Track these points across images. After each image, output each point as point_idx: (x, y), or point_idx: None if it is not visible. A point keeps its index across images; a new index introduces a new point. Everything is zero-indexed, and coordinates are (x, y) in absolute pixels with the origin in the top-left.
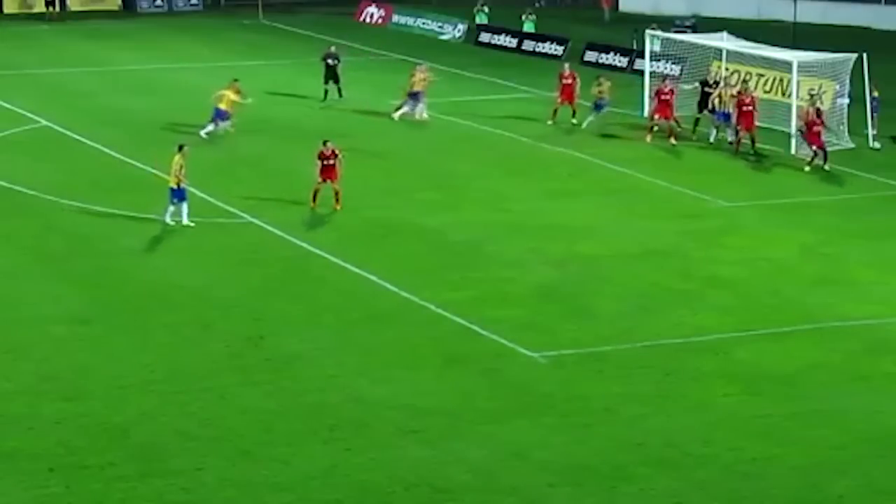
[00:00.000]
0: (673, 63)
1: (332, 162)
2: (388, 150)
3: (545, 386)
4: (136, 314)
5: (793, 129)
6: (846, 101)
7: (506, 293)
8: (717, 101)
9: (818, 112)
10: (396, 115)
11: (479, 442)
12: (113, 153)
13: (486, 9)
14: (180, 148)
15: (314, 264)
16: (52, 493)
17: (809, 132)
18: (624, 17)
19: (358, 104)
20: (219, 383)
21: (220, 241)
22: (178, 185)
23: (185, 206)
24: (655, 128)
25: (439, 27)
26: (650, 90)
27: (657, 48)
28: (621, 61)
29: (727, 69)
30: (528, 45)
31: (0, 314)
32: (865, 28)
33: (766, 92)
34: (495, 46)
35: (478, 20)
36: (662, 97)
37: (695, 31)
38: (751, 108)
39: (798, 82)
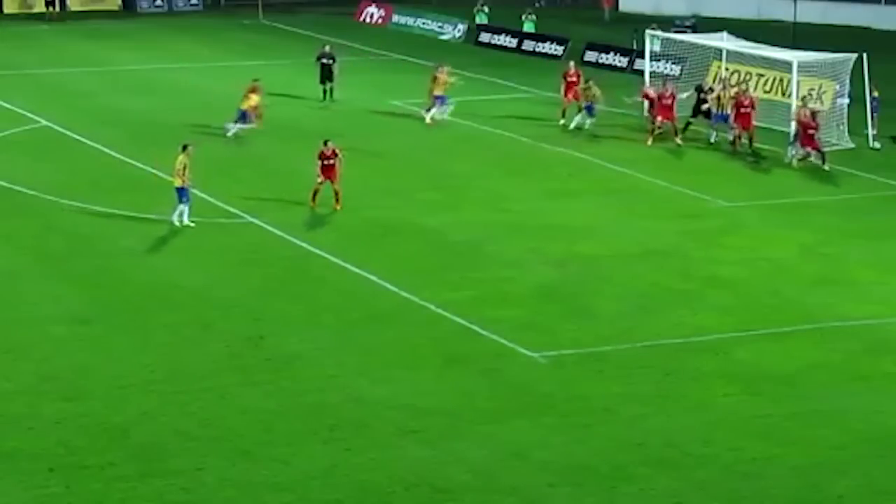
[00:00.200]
0: (673, 63)
1: (332, 162)
2: (388, 150)
3: (545, 386)
4: (136, 314)
5: (791, 135)
6: (846, 101)
7: (506, 293)
8: (716, 102)
9: (813, 115)
10: (428, 117)
11: (479, 442)
12: (113, 153)
13: (486, 9)
14: (184, 148)
15: (314, 264)
16: (52, 493)
17: (804, 135)
18: (624, 17)
19: (358, 104)
20: (219, 383)
21: (220, 241)
22: (183, 185)
23: (187, 207)
24: (657, 131)
25: (439, 27)
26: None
27: (657, 48)
28: (621, 61)
29: (727, 69)
30: (528, 45)
31: (0, 314)
32: (865, 28)
33: (766, 92)
34: (495, 46)
35: (478, 20)
36: (664, 101)
37: (695, 31)
38: (749, 109)
39: (798, 82)
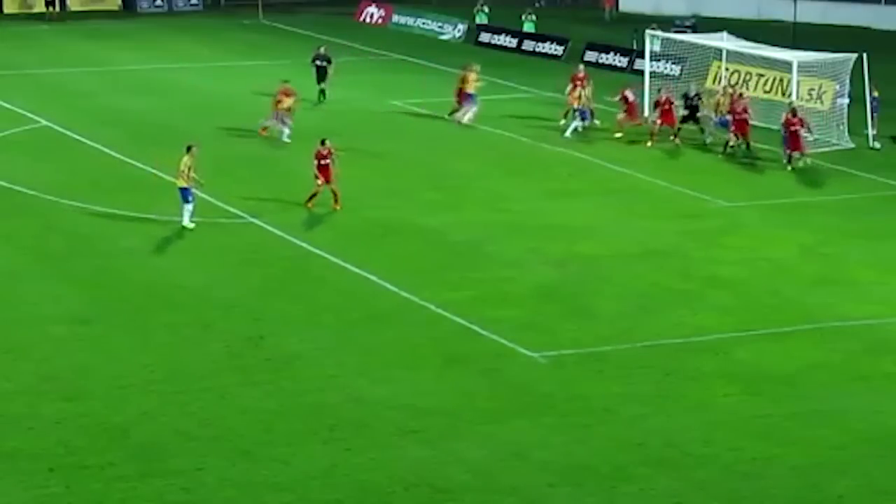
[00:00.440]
0: (673, 63)
1: (328, 161)
2: (388, 150)
3: (545, 386)
4: (136, 314)
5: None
6: (846, 101)
7: (506, 293)
8: (715, 107)
9: (794, 112)
10: (465, 119)
11: (479, 442)
12: (113, 153)
13: (486, 9)
14: (189, 149)
15: (314, 264)
16: (52, 493)
17: (789, 136)
18: (624, 17)
19: (358, 104)
20: (219, 383)
21: (220, 241)
22: (187, 186)
23: (192, 207)
24: (657, 133)
25: (439, 27)
26: (649, 92)
27: (657, 48)
28: (621, 61)
29: (727, 69)
30: (528, 45)
31: (0, 314)
32: (865, 28)
33: (765, 92)
34: (495, 46)
35: (478, 20)
36: (664, 108)
37: (695, 31)
38: (744, 115)
39: (798, 82)
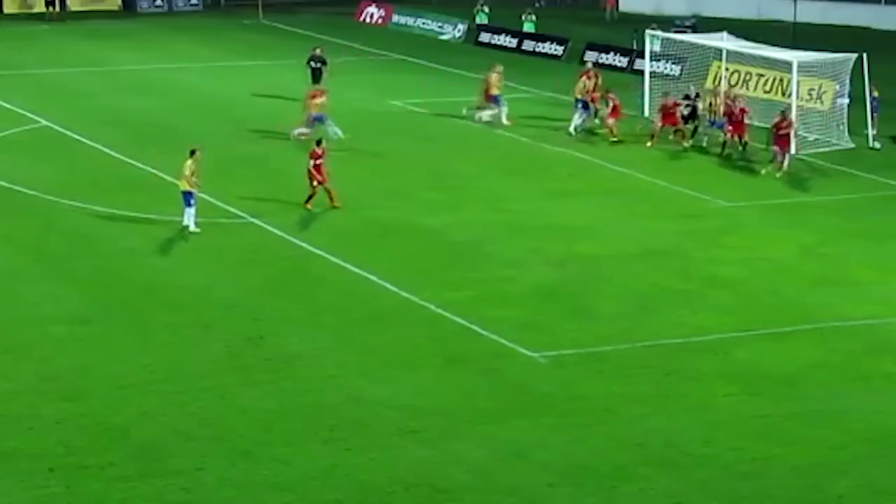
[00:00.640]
0: (673, 63)
1: (321, 161)
2: (388, 150)
3: (545, 386)
4: (136, 314)
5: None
6: (846, 101)
7: (506, 293)
8: (709, 110)
9: (783, 114)
10: (485, 117)
11: (479, 442)
12: (113, 153)
13: (486, 9)
14: (192, 153)
15: (314, 264)
16: (52, 493)
17: (776, 135)
18: (624, 16)
19: (358, 104)
20: (219, 383)
21: (220, 241)
22: (190, 189)
23: (191, 211)
24: (657, 134)
25: (439, 27)
26: (649, 93)
27: (657, 48)
28: (621, 61)
29: (727, 69)
30: (528, 45)
31: (0, 314)
32: (865, 28)
33: (765, 92)
34: (495, 46)
35: (478, 20)
36: (668, 112)
37: (695, 31)
38: (740, 117)
39: (798, 82)
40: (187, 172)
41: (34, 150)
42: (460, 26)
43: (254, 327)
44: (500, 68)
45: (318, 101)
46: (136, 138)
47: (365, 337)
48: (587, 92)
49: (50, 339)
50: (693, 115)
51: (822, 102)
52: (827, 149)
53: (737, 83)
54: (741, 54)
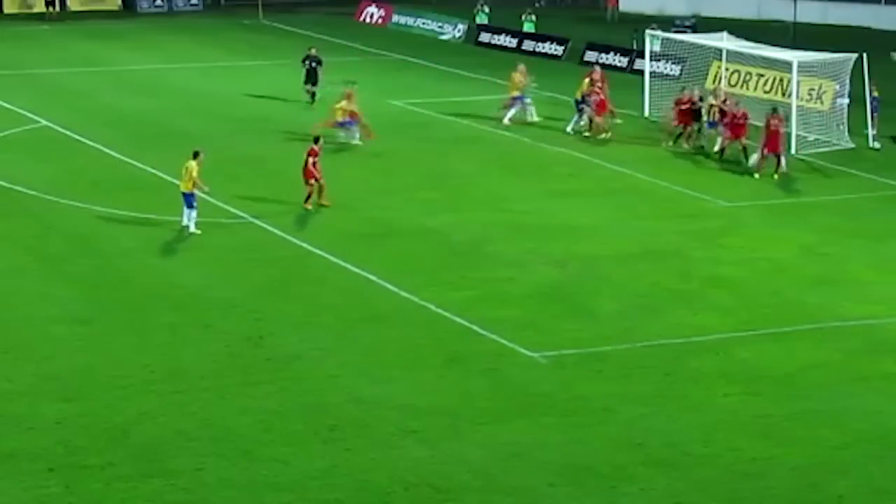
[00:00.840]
0: (673, 63)
1: (317, 159)
2: (388, 150)
3: (545, 386)
4: (136, 314)
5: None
6: (846, 101)
7: (506, 293)
8: (708, 111)
9: (774, 110)
10: (505, 119)
11: (479, 442)
12: (113, 153)
13: (486, 9)
14: (195, 155)
15: (314, 264)
16: (52, 493)
17: (768, 135)
18: (624, 16)
19: (358, 104)
20: (219, 383)
21: (220, 241)
22: (191, 191)
23: (192, 213)
24: (673, 133)
25: (439, 27)
26: (649, 92)
27: (657, 48)
28: (621, 61)
29: (727, 69)
30: (528, 45)
31: (0, 314)
32: (865, 28)
33: (765, 92)
34: (495, 46)
35: (478, 20)
36: (682, 107)
37: (695, 31)
38: (742, 121)
39: (798, 82)
40: (194, 174)
41: (34, 150)
42: (460, 26)
43: (254, 327)
44: (521, 67)
45: (348, 107)
46: (136, 138)
47: (365, 337)
48: (592, 92)
49: (50, 339)
50: (697, 117)
51: (822, 102)
52: (827, 149)
53: (737, 83)
54: (741, 54)
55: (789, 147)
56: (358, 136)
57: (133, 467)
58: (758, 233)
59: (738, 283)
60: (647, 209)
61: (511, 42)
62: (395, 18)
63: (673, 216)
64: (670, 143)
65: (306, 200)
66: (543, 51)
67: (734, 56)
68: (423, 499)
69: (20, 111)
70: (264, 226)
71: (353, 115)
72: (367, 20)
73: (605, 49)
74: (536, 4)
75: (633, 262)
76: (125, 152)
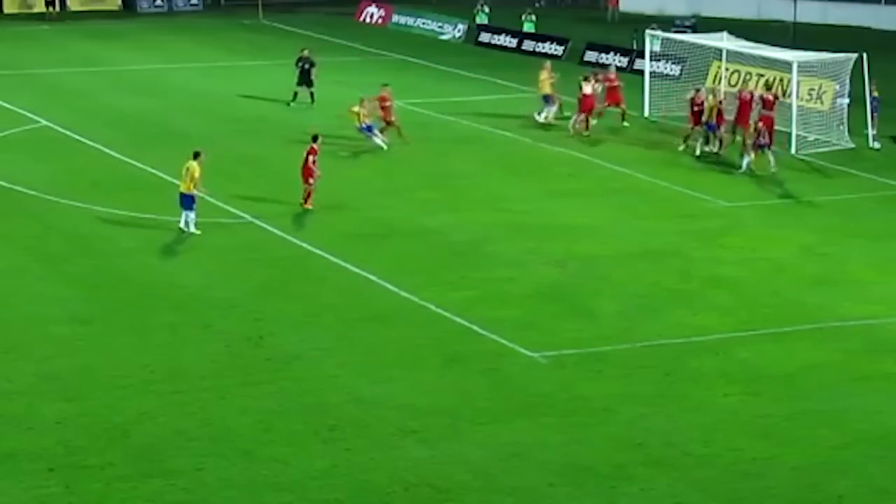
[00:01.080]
0: (673, 63)
1: (316, 158)
2: (388, 150)
3: (545, 386)
4: (136, 314)
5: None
6: (846, 101)
7: (506, 293)
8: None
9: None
10: (541, 118)
11: (479, 442)
12: (113, 153)
13: (486, 9)
14: (196, 155)
15: (314, 264)
16: (52, 493)
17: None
18: (624, 16)
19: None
20: (219, 383)
21: (220, 241)
22: (191, 192)
23: (191, 214)
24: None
25: (439, 27)
26: (649, 92)
27: (657, 48)
28: (621, 61)
29: (727, 69)
30: (528, 45)
31: (0, 314)
32: (865, 28)
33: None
34: (495, 46)
35: (478, 20)
36: (696, 108)
37: (695, 31)
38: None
39: (798, 82)
40: (196, 175)
41: (34, 150)
42: (460, 26)
43: (254, 327)
44: (546, 64)
45: (356, 108)
46: (136, 138)
47: (365, 337)
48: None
49: (50, 339)
50: (699, 119)
51: (822, 102)
52: (827, 149)
53: (737, 83)
54: (741, 54)
55: (790, 147)
56: (379, 139)
57: (133, 467)
58: (758, 233)
59: (737, 283)
60: (647, 209)
61: (511, 42)
62: (395, 18)
63: (673, 216)
64: (686, 146)
65: (306, 200)
66: (543, 51)
67: (734, 56)
68: (423, 499)
69: (20, 111)
70: (264, 226)
71: (386, 118)
72: (367, 20)
73: (605, 49)
74: (536, 4)
75: (633, 262)
76: (125, 152)
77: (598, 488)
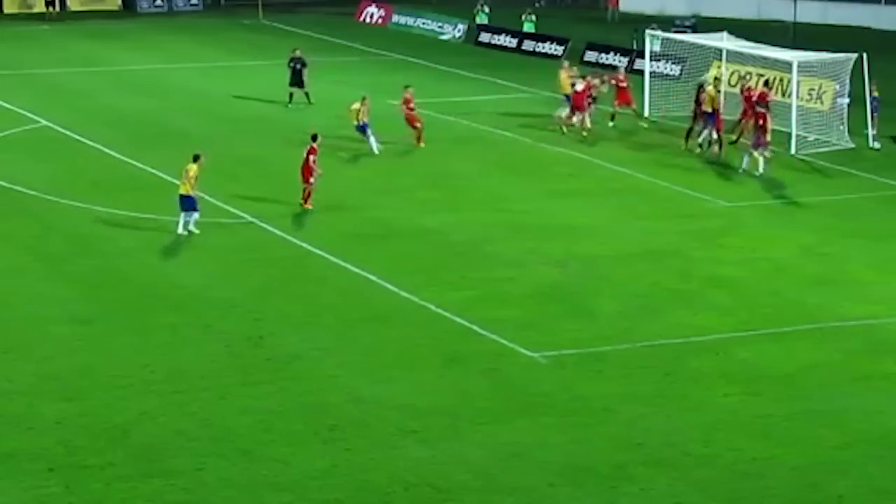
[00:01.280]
0: (673, 63)
1: (315, 156)
2: (388, 150)
3: (545, 386)
4: (136, 314)
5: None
6: (846, 101)
7: (506, 293)
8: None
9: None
10: (575, 119)
11: (479, 442)
12: (113, 153)
13: (486, 9)
14: (196, 158)
15: (314, 264)
16: (52, 493)
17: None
18: (624, 16)
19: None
20: (219, 383)
21: (220, 241)
22: (190, 194)
23: (195, 215)
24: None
25: (439, 27)
26: (649, 92)
27: (657, 48)
28: (621, 61)
29: (727, 69)
30: (528, 45)
31: (0, 314)
32: (865, 28)
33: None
34: (495, 46)
35: (478, 20)
36: (703, 108)
37: (695, 31)
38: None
39: (798, 82)
40: (191, 177)
41: (34, 150)
42: (460, 26)
43: (254, 327)
44: (565, 64)
45: (356, 106)
46: (136, 138)
47: (365, 337)
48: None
49: (50, 339)
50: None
51: (822, 102)
52: (827, 149)
53: (737, 83)
54: (741, 54)
55: (789, 147)
56: (375, 145)
57: (133, 467)
58: (757, 233)
59: (737, 283)
60: (647, 209)
61: (511, 42)
62: (395, 18)
63: (673, 216)
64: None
65: (306, 200)
66: (543, 51)
67: (734, 56)
68: (423, 499)
69: (20, 111)
70: (264, 226)
71: (410, 119)
72: (367, 20)
73: (605, 49)
74: (536, 4)
75: (633, 262)
76: (125, 152)
77: (598, 488)
